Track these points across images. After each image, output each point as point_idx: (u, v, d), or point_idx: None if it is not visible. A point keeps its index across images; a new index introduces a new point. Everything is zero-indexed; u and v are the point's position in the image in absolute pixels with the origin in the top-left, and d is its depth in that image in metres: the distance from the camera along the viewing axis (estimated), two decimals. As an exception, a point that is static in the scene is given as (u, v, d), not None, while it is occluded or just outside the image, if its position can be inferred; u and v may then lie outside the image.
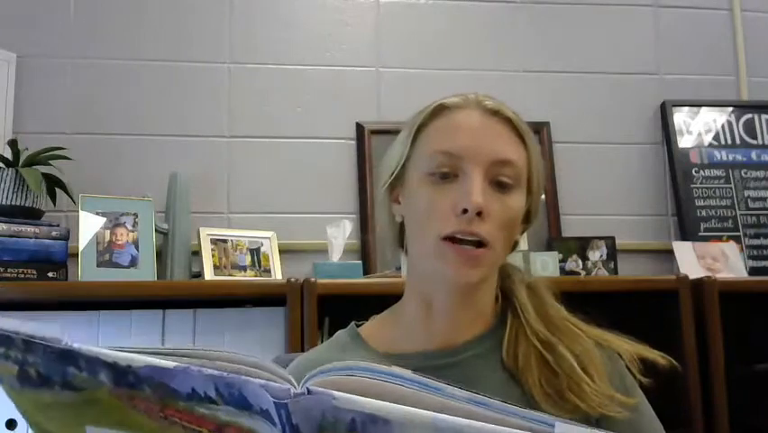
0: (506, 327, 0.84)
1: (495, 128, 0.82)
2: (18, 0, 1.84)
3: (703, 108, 2.01)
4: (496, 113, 0.83)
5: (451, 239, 0.79)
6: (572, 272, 1.79)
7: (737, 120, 2.01)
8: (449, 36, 1.98)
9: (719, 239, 1.88)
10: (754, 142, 2.00)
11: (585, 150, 1.96)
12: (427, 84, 1.93)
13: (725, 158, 1.98)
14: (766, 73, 2.05)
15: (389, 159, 0.88)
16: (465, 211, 0.77)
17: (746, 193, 1.95)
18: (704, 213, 1.93)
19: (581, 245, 1.82)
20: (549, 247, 1.82)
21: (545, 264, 1.75)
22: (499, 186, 0.80)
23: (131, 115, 1.81)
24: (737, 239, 1.90)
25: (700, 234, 1.90)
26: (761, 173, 1.97)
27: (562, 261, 1.78)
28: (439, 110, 0.85)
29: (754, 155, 1.99)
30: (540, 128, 1.93)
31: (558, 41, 2.01)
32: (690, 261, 1.78)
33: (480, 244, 0.79)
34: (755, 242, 1.93)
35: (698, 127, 1.99)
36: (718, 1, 2.07)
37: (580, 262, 1.80)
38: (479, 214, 0.78)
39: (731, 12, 2.07)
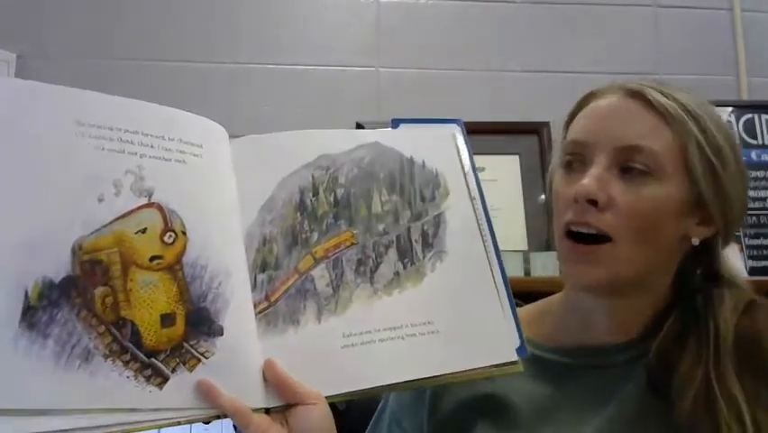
0: (661, 336, 0.73)
1: (628, 111, 0.74)
2: (18, 0, 1.84)
3: (703, 108, 2.00)
4: (635, 95, 0.74)
5: (568, 234, 0.73)
6: (572, 272, 1.78)
7: (737, 120, 2.01)
8: (449, 36, 1.98)
9: (719, 239, 1.88)
10: (754, 142, 2.00)
11: (585, 150, 1.96)
12: (427, 84, 1.93)
13: (725, 158, 1.98)
14: (766, 73, 2.05)
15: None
16: (577, 200, 0.71)
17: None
18: (704, 213, 1.93)
19: (581, 245, 1.81)
20: (549, 247, 1.81)
21: (545, 264, 1.75)
22: (631, 174, 0.72)
23: (131, 115, 1.81)
24: (737, 239, 1.90)
25: (700, 233, 1.90)
26: (761, 173, 1.97)
27: (562, 261, 1.77)
28: (587, 98, 0.79)
29: (754, 155, 1.99)
30: (540, 128, 1.93)
31: (558, 41, 2.01)
32: (691, 261, 1.78)
33: (600, 238, 0.71)
34: (755, 242, 1.93)
35: (698, 127, 1.99)
36: (718, 1, 2.07)
37: (580, 262, 1.80)
38: (592, 203, 0.71)
39: (731, 12, 2.07)
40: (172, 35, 1.88)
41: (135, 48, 1.86)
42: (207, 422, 0.62)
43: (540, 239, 1.85)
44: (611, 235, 0.71)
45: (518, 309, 0.79)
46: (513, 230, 1.80)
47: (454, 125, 0.79)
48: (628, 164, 0.72)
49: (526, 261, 1.73)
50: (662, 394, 0.71)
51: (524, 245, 1.81)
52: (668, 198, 0.72)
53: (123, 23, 1.87)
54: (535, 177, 1.91)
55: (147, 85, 1.84)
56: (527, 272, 1.71)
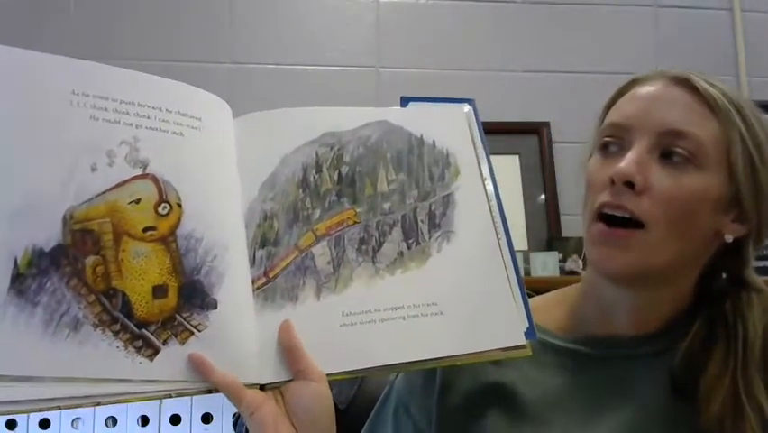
0: (689, 340, 0.71)
1: (673, 96, 0.71)
2: (18, 0, 1.84)
3: (703, 108, 2.00)
4: (681, 81, 0.72)
5: (600, 217, 0.70)
6: (572, 272, 1.78)
7: (737, 120, 2.01)
8: (449, 36, 1.98)
9: (719, 239, 1.88)
10: (754, 142, 2.00)
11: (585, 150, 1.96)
12: (427, 84, 1.93)
13: (725, 158, 1.98)
14: (766, 73, 2.05)
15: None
16: (614, 182, 0.69)
17: (746, 193, 1.95)
18: (704, 213, 1.93)
19: (581, 245, 1.81)
20: (549, 247, 1.82)
21: (545, 264, 1.75)
22: (672, 160, 0.69)
23: (131, 115, 1.81)
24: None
25: (700, 234, 1.90)
26: (761, 173, 1.97)
27: (562, 261, 1.77)
28: (630, 84, 0.76)
29: (754, 155, 1.99)
30: (540, 128, 1.93)
31: (558, 41, 2.01)
32: (691, 261, 1.77)
33: (632, 223, 0.68)
34: (755, 242, 1.92)
35: (698, 127, 1.99)
36: (718, 1, 2.07)
37: (580, 262, 1.80)
38: (629, 185, 0.68)
39: (731, 12, 2.07)
40: (172, 35, 1.88)
41: (135, 48, 1.86)
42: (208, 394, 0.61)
43: (540, 239, 1.85)
44: (645, 222, 0.68)
45: (531, 299, 0.79)
46: (513, 230, 1.76)
47: (466, 105, 0.76)
48: (670, 149, 0.69)
49: (526, 261, 1.73)
50: (686, 398, 0.70)
51: (524, 245, 1.81)
52: (707, 190, 0.69)
53: (122, 22, 1.87)
54: (535, 177, 1.91)
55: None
56: (527, 272, 1.71)
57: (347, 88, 1.92)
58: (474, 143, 0.74)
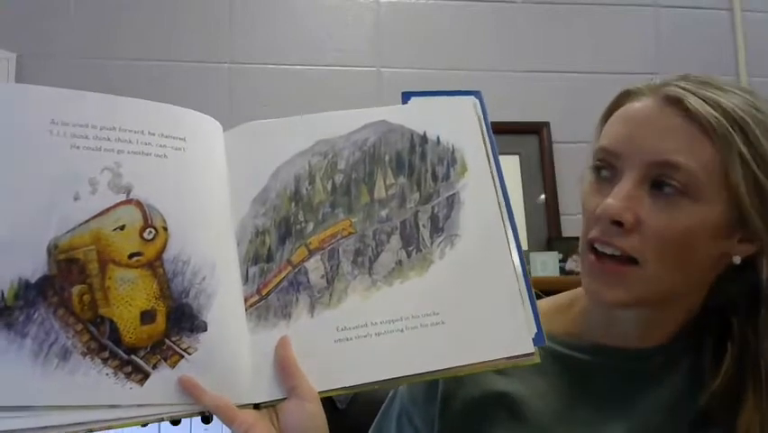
0: (720, 381, 0.69)
1: (667, 121, 0.66)
2: (18, 0, 1.84)
3: (703, 108, 2.00)
4: (673, 102, 0.67)
5: (592, 249, 0.68)
6: (572, 272, 1.78)
7: (737, 120, 2.01)
8: (449, 36, 1.98)
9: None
10: (755, 142, 2.00)
11: (585, 150, 1.95)
12: (428, 84, 1.92)
13: (725, 158, 1.97)
14: (766, 73, 2.05)
15: None
16: (601, 219, 0.66)
17: (747, 193, 1.94)
18: (704, 213, 1.92)
19: (581, 245, 1.82)
20: (549, 247, 1.82)
21: (545, 264, 1.75)
22: (664, 192, 0.66)
23: (131, 115, 1.81)
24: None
25: (701, 234, 1.90)
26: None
27: (562, 261, 1.77)
28: (622, 97, 0.72)
29: (754, 155, 1.99)
30: (540, 128, 1.93)
31: (558, 41, 2.01)
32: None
33: (626, 259, 0.66)
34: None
35: (698, 127, 1.99)
36: (718, 1, 2.07)
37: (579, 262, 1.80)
38: (618, 223, 0.65)
39: (731, 12, 2.06)
40: (172, 35, 1.88)
41: (135, 47, 1.86)
42: (205, 419, 0.62)
43: (540, 239, 1.85)
44: (638, 259, 0.66)
45: (539, 301, 0.77)
46: (513, 230, 1.80)
47: (472, 97, 0.72)
48: (661, 180, 0.66)
49: (526, 261, 1.73)
50: (704, 421, 0.70)
51: (524, 245, 1.81)
52: (704, 221, 0.65)
53: (123, 22, 1.87)
54: (535, 177, 1.91)
55: (146, 84, 1.84)
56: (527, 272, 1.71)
57: (348, 88, 1.92)
58: (483, 137, 0.70)
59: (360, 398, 1.08)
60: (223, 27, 1.91)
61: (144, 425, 0.59)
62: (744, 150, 0.65)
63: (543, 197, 1.89)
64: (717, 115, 0.65)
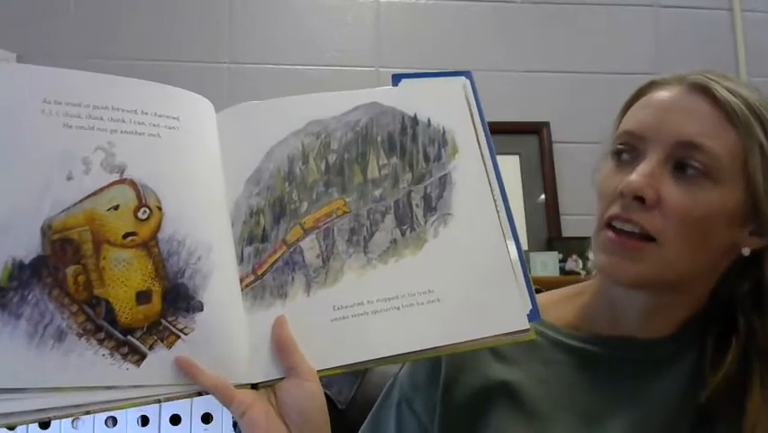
0: (722, 376, 0.70)
1: (691, 106, 0.68)
2: (18, 0, 1.84)
3: (703, 108, 2.00)
4: (700, 89, 0.69)
5: (610, 226, 0.68)
6: (572, 272, 1.79)
7: (737, 120, 2.01)
8: (449, 36, 1.98)
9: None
10: (755, 142, 2.00)
11: (585, 150, 1.96)
12: (427, 84, 1.92)
13: (725, 158, 1.97)
14: (766, 73, 2.05)
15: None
16: (623, 195, 0.67)
17: (747, 193, 1.94)
18: (704, 213, 1.92)
19: (581, 245, 1.82)
20: (549, 247, 1.82)
21: (545, 264, 1.75)
22: (686, 173, 0.67)
23: (131, 115, 1.82)
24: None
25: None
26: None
27: (562, 261, 1.78)
28: (647, 87, 0.74)
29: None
30: (540, 128, 1.93)
31: (558, 41, 2.01)
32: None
33: (645, 237, 0.67)
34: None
35: (698, 127, 1.99)
36: (718, 1, 2.07)
37: (580, 262, 1.80)
38: (639, 199, 0.66)
39: (731, 12, 2.06)
40: (172, 35, 1.88)
41: (135, 47, 1.86)
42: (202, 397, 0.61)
43: (540, 239, 1.85)
44: (656, 237, 0.66)
45: (543, 294, 0.80)
46: (513, 230, 1.80)
47: (463, 78, 0.72)
48: (684, 162, 0.67)
49: (526, 261, 1.73)
50: (707, 414, 0.70)
51: (524, 245, 1.81)
52: (722, 205, 0.67)
53: (123, 22, 1.87)
54: (535, 177, 1.91)
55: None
56: (527, 272, 1.71)
57: (348, 89, 1.91)
58: (473, 118, 0.71)
59: (360, 398, 1.08)
60: (223, 27, 1.91)
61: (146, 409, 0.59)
62: (764, 141, 0.67)
63: (543, 197, 1.89)
64: (740, 103, 0.67)
